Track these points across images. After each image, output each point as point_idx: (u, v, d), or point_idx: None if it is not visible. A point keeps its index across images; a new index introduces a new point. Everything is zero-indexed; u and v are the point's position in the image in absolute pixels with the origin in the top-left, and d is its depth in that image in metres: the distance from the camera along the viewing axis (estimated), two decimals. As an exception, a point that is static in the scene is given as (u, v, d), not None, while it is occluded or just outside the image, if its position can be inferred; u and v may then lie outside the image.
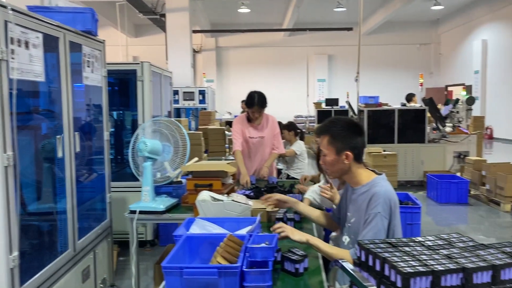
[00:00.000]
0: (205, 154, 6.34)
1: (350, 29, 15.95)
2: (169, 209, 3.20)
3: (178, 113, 10.20)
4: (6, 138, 2.05)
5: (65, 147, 2.68)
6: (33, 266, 2.31)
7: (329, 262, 2.09)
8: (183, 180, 3.61)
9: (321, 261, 2.20)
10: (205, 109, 10.41)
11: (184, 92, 10.08)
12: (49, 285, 2.43)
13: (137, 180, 4.84)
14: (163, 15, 11.39)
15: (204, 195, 2.70)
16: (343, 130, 2.10)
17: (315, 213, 2.51)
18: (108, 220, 3.40)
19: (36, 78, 2.35)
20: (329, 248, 2.10)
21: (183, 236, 2.15)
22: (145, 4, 11.33)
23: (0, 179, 2.01)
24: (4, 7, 2.04)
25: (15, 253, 2.10)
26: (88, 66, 3.03)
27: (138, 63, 4.75)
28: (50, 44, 2.51)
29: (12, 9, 2.08)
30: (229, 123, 9.77)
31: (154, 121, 3.35)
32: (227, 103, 17.40)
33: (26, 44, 2.25)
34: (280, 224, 2.23)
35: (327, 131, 2.14)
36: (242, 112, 12.37)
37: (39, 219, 2.67)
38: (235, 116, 12.55)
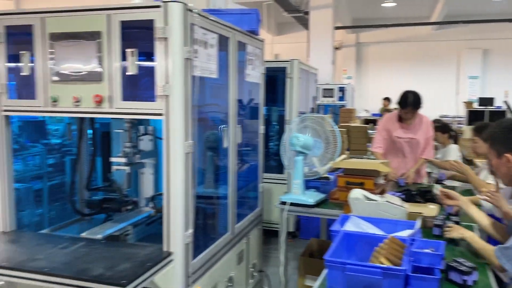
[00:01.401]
0: (347, 152, 6.28)
1: (511, 20, 14.10)
2: (318, 204, 3.26)
3: (316, 110, 10.26)
4: (189, 128, 2.31)
5: (229, 138, 2.91)
6: (200, 245, 2.57)
7: (502, 281, 1.91)
8: (330, 176, 3.64)
9: (491, 277, 2.01)
10: (344, 106, 10.28)
11: (323, 89, 10.10)
12: (213, 263, 2.68)
13: (279, 172, 5.07)
14: (307, 13, 11.55)
15: (357, 193, 2.68)
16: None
17: (486, 221, 2.30)
18: (260, 208, 3.60)
19: (211, 75, 2.59)
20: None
21: (340, 232, 2.17)
22: (290, 3, 11.63)
23: (182, 164, 2.28)
24: (191, 11, 2.29)
25: (190, 230, 2.36)
26: (250, 64, 3.24)
27: (288, 61, 4.91)
28: (221, 43, 2.74)
29: (198, 13, 2.33)
30: (370, 121, 9.50)
31: (305, 117, 3.44)
32: (365, 101, 16.91)
33: (205, 44, 2.50)
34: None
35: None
36: (384, 110, 11.93)
37: (204, 202, 2.95)
38: (373, 115, 12.17)
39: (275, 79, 5.53)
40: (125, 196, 3.06)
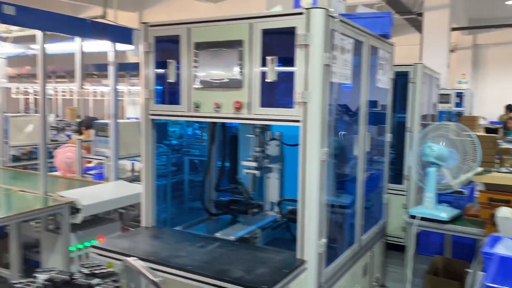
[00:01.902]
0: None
1: None
2: (452, 220, 3.01)
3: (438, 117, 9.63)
4: (325, 135, 2.27)
5: (359, 146, 2.82)
6: (330, 255, 2.51)
7: None
8: (464, 190, 3.35)
9: None
10: (460, 113, 9.51)
11: (439, 94, 9.43)
12: (341, 274, 2.61)
13: (397, 182, 4.82)
14: (420, 14, 10.94)
15: (507, 212, 2.41)
16: None
17: None
18: (384, 220, 3.44)
19: (345, 81, 2.53)
20: None
21: (496, 255, 1.96)
22: (402, 4, 11.12)
23: (317, 172, 2.25)
24: (332, 17, 2.26)
25: (324, 240, 2.32)
26: (381, 69, 3.11)
27: (411, 65, 4.65)
28: (355, 48, 2.67)
29: (339, 19, 2.29)
30: (491, 130, 8.65)
31: (439, 125, 3.21)
32: (482, 107, 15.49)
33: (342, 50, 2.45)
34: None
35: None
36: (508, 118, 10.78)
37: (334, 211, 2.89)
38: (491, 122, 11.06)
39: (395, 84, 5.28)
40: (251, 199, 3.13)
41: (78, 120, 12.20)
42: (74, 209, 3.47)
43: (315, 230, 2.28)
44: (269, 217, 3.07)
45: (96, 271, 1.60)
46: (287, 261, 2.26)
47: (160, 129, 5.87)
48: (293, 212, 2.92)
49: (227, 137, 3.24)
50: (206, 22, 2.50)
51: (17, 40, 4.76)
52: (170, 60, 2.61)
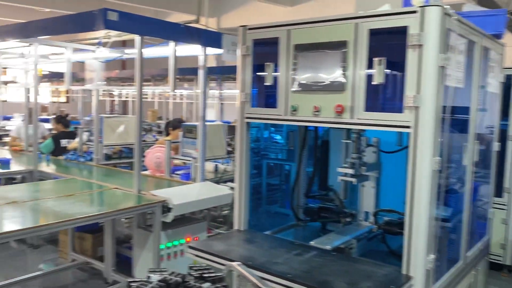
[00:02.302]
0: None
1: None
2: None
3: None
4: (437, 143, 2.10)
5: (468, 155, 2.59)
6: (435, 271, 2.32)
7: None
8: None
9: None
10: None
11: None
12: (447, 293, 2.41)
13: (497, 195, 4.42)
14: (515, 13, 10.09)
15: None
16: None
17: None
18: (488, 237, 3.15)
19: (458, 84, 2.33)
20: None
21: None
22: (494, 3, 10.33)
23: (428, 183, 2.09)
24: (449, 15, 2.08)
25: (432, 255, 2.15)
26: (491, 72, 2.85)
27: (515, 68, 4.24)
28: (467, 49, 2.45)
29: (457, 19, 2.11)
30: None
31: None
32: None
33: (456, 51, 2.25)
34: None
35: None
36: None
37: (439, 225, 2.69)
38: None
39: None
40: (344, 208, 3.01)
41: (159, 121, 12.79)
42: (166, 208, 3.57)
43: (424, 245, 2.11)
44: (363, 227, 2.92)
45: (205, 274, 1.58)
46: (392, 276, 2.12)
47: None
48: (390, 224, 2.76)
49: (317, 142, 3.15)
50: (307, 23, 2.43)
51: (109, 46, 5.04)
52: (268, 63, 2.57)
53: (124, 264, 4.19)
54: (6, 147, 6.69)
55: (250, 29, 2.68)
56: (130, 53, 4.90)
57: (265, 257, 2.31)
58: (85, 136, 5.76)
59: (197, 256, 2.43)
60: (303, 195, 3.20)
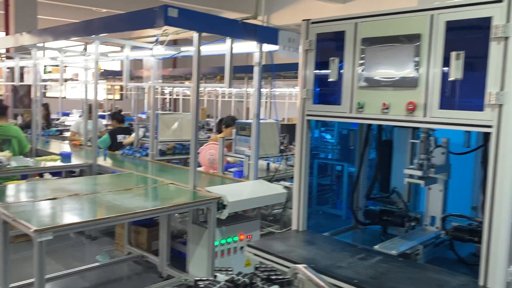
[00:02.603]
0: None
1: None
2: None
3: None
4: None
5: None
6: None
7: None
8: None
9: None
10: None
11: None
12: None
13: None
14: None
15: None
16: None
17: None
18: None
19: (545, 81, 2.12)
20: None
21: None
22: None
23: (510, 187, 1.91)
24: (540, 4, 1.89)
25: (514, 268, 1.97)
26: None
27: None
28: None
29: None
30: None
31: None
32: None
33: (544, 44, 2.05)
34: None
35: None
36: None
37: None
38: None
39: None
40: (408, 211, 2.85)
41: (208, 119, 12.95)
42: (221, 204, 3.56)
43: (505, 255, 1.93)
44: (429, 232, 2.75)
45: (272, 276, 1.52)
46: (467, 287, 1.96)
47: (291, 129, 5.84)
48: (460, 230, 2.58)
49: (380, 141, 3.01)
50: (377, 16, 2.31)
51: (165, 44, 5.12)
52: (333, 58, 2.47)
53: (177, 259, 4.24)
54: (66, 142, 6.99)
55: (313, 22, 2.59)
56: (186, 50, 4.94)
57: (328, 260, 2.22)
58: (140, 132, 5.90)
59: (256, 255, 2.38)
60: (364, 197, 3.07)
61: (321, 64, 2.59)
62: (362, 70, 2.35)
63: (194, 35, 3.71)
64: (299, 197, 2.69)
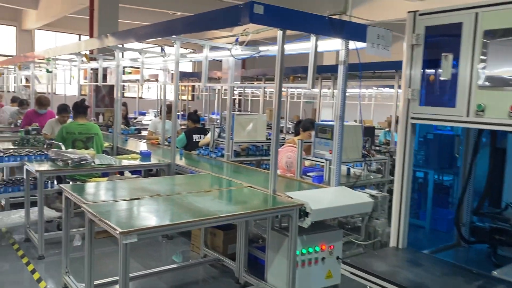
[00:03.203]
0: None
1: None
2: None
3: None
4: None
5: None
6: None
7: None
8: None
9: None
10: None
11: None
12: None
13: None
14: None
15: None
16: None
17: None
18: None
19: None
20: None
21: None
22: None
23: None
24: None
25: None
26: None
27: None
28: None
29: None
30: None
31: None
32: None
33: None
34: None
35: None
36: None
37: None
38: None
39: None
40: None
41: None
42: (303, 212, 3.35)
43: None
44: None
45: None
46: None
47: (369, 133, 5.46)
48: None
49: (494, 149, 2.64)
50: (503, 4, 1.98)
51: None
52: (445, 54, 2.17)
53: (253, 265, 4.09)
54: (144, 140, 7.16)
55: (422, 14, 2.31)
56: (266, 50, 4.79)
57: (440, 286, 1.93)
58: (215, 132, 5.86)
59: (353, 274, 2.14)
60: (472, 213, 2.71)
61: (430, 61, 2.29)
62: (484, 68, 2.03)
63: (279, 33, 3.53)
64: (400, 211, 2.41)
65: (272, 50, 4.78)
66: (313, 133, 4.70)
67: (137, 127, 8.75)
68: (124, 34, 5.30)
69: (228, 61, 4.96)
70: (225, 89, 13.11)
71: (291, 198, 3.49)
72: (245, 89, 13.87)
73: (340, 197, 3.75)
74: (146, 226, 2.62)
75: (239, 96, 17.14)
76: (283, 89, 12.83)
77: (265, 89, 11.39)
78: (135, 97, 14.82)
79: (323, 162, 4.40)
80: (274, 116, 3.71)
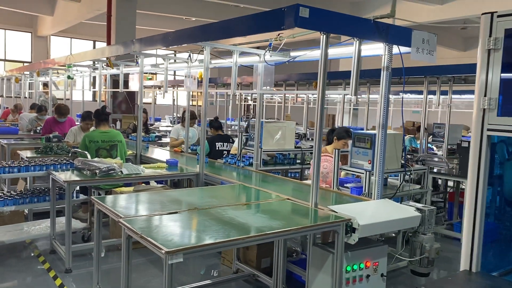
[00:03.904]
0: None
1: None
2: None
3: None
4: None
5: None
6: None
7: None
8: None
9: None
10: None
11: None
12: None
13: None
14: None
15: None
16: None
17: None
18: None
19: None
20: None
21: None
22: None
23: None
24: None
25: None
26: None
27: None
28: None
29: None
30: None
31: None
32: None
33: None
34: None
35: None
36: None
37: None
38: None
39: None
40: None
41: (297, 126, 12.56)
42: (350, 227, 3.14)
43: None
44: None
45: None
46: None
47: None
48: None
49: None
50: None
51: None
52: (531, 59, 1.97)
53: (289, 280, 3.89)
54: (167, 148, 6.99)
55: (500, 16, 2.10)
56: (302, 55, 4.61)
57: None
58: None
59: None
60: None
61: (509, 66, 2.09)
62: None
63: (322, 37, 3.35)
64: (473, 233, 2.20)
65: (306, 55, 4.61)
66: (349, 142, 4.50)
67: (156, 134, 8.61)
68: (151, 40, 5.16)
69: (259, 66, 4.79)
70: (240, 95, 12.96)
71: (335, 212, 3.29)
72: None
73: (385, 211, 3.54)
74: (193, 245, 2.43)
75: (254, 102, 16.98)
76: (302, 95, 12.64)
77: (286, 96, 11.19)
78: (150, 103, 14.74)
79: (362, 173, 4.20)
80: (317, 125, 3.51)
